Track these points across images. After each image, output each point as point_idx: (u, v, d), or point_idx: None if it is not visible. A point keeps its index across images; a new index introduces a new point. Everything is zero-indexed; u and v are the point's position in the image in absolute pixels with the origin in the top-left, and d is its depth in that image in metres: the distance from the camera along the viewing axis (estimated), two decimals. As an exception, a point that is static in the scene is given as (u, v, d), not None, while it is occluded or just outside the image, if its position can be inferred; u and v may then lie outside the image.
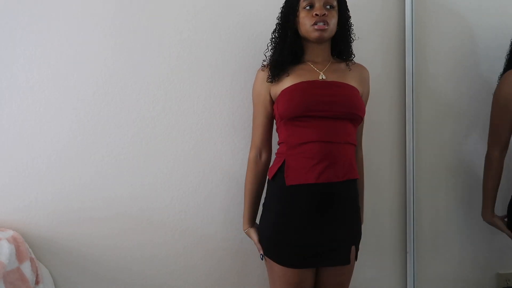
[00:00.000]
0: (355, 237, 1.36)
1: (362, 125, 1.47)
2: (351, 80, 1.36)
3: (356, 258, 1.36)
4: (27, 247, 1.41)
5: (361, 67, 1.43)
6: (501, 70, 1.68)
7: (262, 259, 1.37)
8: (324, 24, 1.28)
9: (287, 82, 1.32)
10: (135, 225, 1.57)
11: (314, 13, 1.28)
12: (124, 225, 1.56)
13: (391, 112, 1.75)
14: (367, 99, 1.46)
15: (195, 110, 1.60)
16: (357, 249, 1.36)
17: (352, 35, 1.41)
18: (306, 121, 1.27)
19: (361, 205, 1.43)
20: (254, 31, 1.60)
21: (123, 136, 1.55)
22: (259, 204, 1.43)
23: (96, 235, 1.54)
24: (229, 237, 1.62)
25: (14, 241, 1.39)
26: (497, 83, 1.63)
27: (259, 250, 1.37)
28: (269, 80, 1.35)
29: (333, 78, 1.33)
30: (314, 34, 1.29)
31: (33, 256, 1.43)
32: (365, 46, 1.70)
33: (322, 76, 1.33)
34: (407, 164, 1.74)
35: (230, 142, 1.60)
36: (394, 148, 1.76)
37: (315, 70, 1.34)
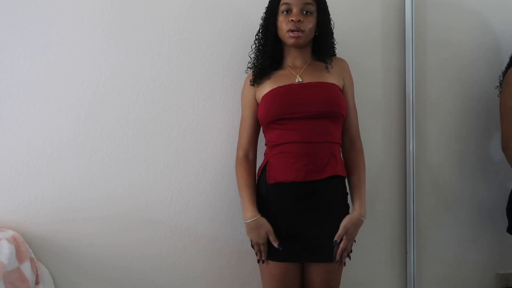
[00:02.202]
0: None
1: (355, 118, 1.45)
2: (330, 77, 1.38)
3: (341, 261, 1.36)
4: (27, 247, 1.41)
5: (339, 60, 1.44)
6: (502, 68, 1.67)
7: (263, 263, 1.36)
8: (299, 32, 1.31)
9: (268, 87, 1.38)
10: (135, 225, 1.57)
11: (290, 19, 1.31)
12: (124, 224, 1.56)
13: (391, 112, 1.75)
14: (351, 88, 1.45)
15: (195, 110, 1.60)
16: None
17: (332, 37, 1.42)
18: (284, 123, 1.33)
19: (362, 199, 1.38)
20: (254, 31, 1.59)
21: (123, 136, 1.55)
22: (256, 195, 1.40)
23: (96, 234, 1.54)
24: (228, 237, 1.62)
25: (14, 241, 1.39)
26: (500, 80, 1.62)
27: (274, 242, 1.30)
28: (251, 83, 1.42)
29: (310, 79, 1.36)
30: (289, 41, 1.34)
31: (33, 256, 1.43)
32: (365, 46, 1.71)
33: (298, 79, 1.36)
34: (407, 164, 1.74)
35: (230, 142, 1.60)
36: (394, 148, 1.76)
37: (293, 73, 1.38)
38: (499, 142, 1.64)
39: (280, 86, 1.36)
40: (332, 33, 1.42)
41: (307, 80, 1.36)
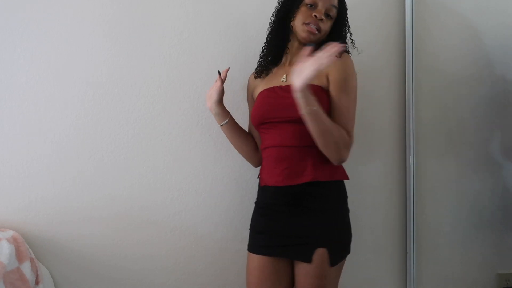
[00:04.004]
0: (326, 239, 1.28)
1: (340, 113, 1.28)
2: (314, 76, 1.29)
3: (331, 263, 1.27)
4: (27, 247, 1.41)
5: (341, 60, 1.33)
6: (501, 69, 1.67)
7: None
8: (317, 29, 1.29)
9: (260, 87, 1.41)
10: (135, 225, 1.57)
11: (313, 14, 1.29)
12: (124, 225, 1.56)
13: (391, 111, 1.75)
14: (338, 82, 1.29)
15: (195, 110, 1.60)
16: (331, 253, 1.27)
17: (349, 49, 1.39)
18: (268, 127, 1.35)
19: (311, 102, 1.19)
20: (254, 31, 1.60)
21: (123, 136, 1.55)
22: (240, 137, 1.49)
23: (96, 235, 1.54)
24: (228, 237, 1.62)
25: (14, 241, 1.38)
26: None
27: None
28: (254, 76, 1.44)
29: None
30: (303, 34, 1.31)
31: (33, 256, 1.43)
32: (365, 46, 1.71)
33: (283, 79, 1.35)
34: (407, 164, 1.74)
35: (230, 142, 1.60)
36: (394, 148, 1.76)
37: (285, 72, 1.37)
38: (499, 142, 1.64)
39: (265, 89, 1.37)
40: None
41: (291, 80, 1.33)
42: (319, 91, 1.28)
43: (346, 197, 1.38)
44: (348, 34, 1.40)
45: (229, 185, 1.61)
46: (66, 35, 1.52)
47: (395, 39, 1.74)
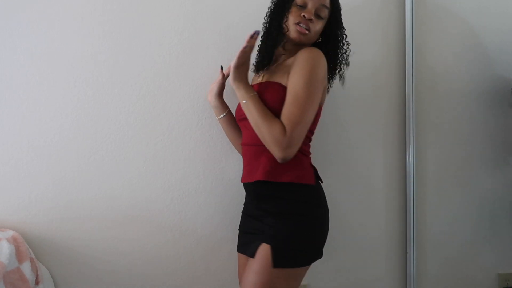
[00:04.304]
0: (272, 237, 1.23)
1: (289, 104, 1.19)
2: (280, 73, 1.29)
3: (274, 263, 1.19)
4: (27, 247, 1.41)
5: (300, 51, 1.27)
6: (501, 69, 1.67)
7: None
8: (306, 29, 1.28)
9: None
10: (135, 225, 1.57)
11: (302, 14, 1.28)
12: (124, 225, 1.56)
13: (391, 111, 1.75)
14: (296, 74, 1.21)
15: (195, 110, 1.60)
16: (275, 252, 1.20)
17: (338, 57, 1.36)
18: (242, 124, 1.39)
19: (244, 88, 1.26)
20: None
21: (123, 136, 1.55)
22: (236, 131, 1.51)
23: (96, 235, 1.54)
24: (229, 238, 1.62)
25: (14, 241, 1.38)
26: None
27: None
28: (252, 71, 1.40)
29: (266, 78, 1.35)
30: (294, 34, 1.29)
31: (33, 256, 1.43)
32: (365, 46, 1.71)
33: (260, 78, 1.38)
34: (407, 164, 1.74)
35: (230, 142, 1.60)
36: (394, 148, 1.76)
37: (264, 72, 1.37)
38: (499, 142, 1.64)
39: None
40: (339, 51, 1.35)
41: (265, 79, 1.35)
42: (276, 88, 1.25)
43: (316, 202, 1.29)
44: (344, 38, 1.37)
45: (229, 185, 1.61)
46: (66, 35, 1.52)
47: (395, 39, 1.74)
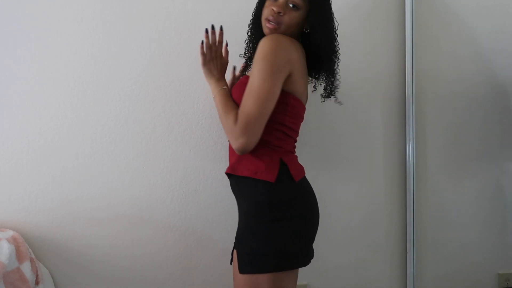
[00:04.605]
0: (237, 241, 1.22)
1: (245, 96, 1.15)
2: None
3: (240, 269, 1.14)
4: (27, 247, 1.41)
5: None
6: (501, 70, 1.67)
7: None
8: (275, 24, 1.21)
9: None
10: (135, 225, 1.57)
11: (271, 7, 1.21)
12: (124, 225, 1.56)
13: (391, 112, 1.75)
14: (255, 67, 1.16)
15: (195, 110, 1.60)
16: (240, 258, 1.16)
17: (329, 46, 1.26)
18: None
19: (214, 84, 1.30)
20: (254, 31, 1.60)
21: (123, 136, 1.55)
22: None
23: (96, 235, 1.54)
24: (229, 238, 1.61)
25: (14, 241, 1.38)
26: None
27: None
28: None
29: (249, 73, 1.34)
30: (265, 30, 1.25)
31: (33, 256, 1.43)
32: (365, 46, 1.71)
33: (246, 73, 1.38)
34: (407, 164, 1.74)
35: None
36: (394, 148, 1.76)
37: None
38: (498, 142, 1.64)
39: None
40: (330, 40, 1.26)
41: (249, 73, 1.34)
42: (244, 81, 1.22)
43: (277, 202, 1.15)
44: (333, 28, 1.27)
45: (229, 185, 1.60)
46: (66, 35, 1.52)
47: (395, 39, 1.74)
